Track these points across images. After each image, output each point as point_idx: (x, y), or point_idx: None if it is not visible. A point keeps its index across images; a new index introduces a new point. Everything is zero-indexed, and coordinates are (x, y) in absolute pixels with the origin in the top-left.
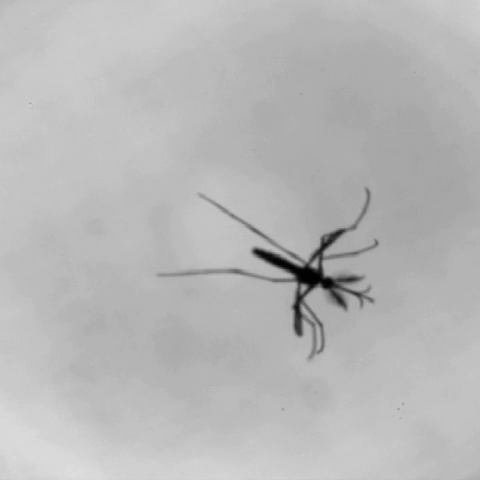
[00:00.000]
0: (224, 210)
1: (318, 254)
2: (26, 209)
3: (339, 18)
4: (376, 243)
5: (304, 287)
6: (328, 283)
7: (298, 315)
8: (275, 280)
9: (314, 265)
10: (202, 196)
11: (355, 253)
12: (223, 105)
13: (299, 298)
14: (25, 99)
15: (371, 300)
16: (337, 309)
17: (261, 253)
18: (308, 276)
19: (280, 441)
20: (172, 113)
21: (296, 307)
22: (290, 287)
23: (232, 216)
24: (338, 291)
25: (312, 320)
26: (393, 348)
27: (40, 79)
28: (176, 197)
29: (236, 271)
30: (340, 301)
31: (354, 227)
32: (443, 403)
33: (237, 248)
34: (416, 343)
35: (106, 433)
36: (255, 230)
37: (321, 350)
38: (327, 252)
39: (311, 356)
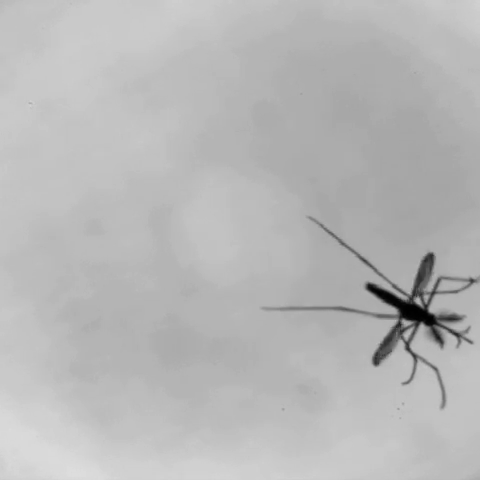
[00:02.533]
0: (333, 236)
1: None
2: (26, 209)
3: (339, 18)
4: (471, 281)
5: (406, 323)
6: (431, 320)
7: (388, 345)
8: (379, 316)
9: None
10: (312, 219)
11: (455, 291)
12: (223, 105)
13: (406, 341)
14: (25, 99)
15: (470, 342)
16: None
17: (373, 289)
18: (413, 312)
19: (280, 441)
20: (172, 113)
21: (402, 339)
22: (290, 289)
23: (342, 243)
24: (438, 328)
25: (431, 364)
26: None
27: (40, 79)
28: (176, 197)
29: (341, 308)
30: (438, 338)
31: (476, 281)
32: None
33: (237, 248)
34: (416, 343)
35: (105, 433)
36: (365, 261)
37: (444, 400)
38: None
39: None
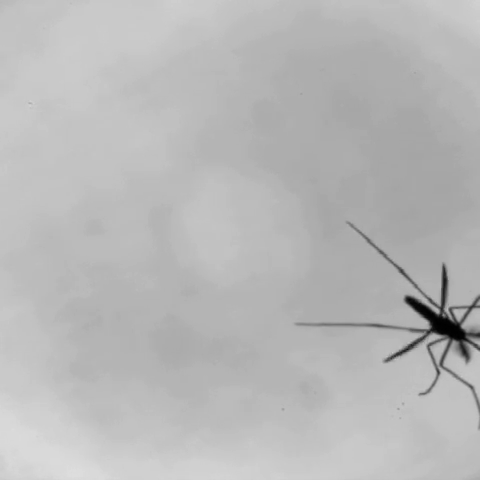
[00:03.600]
0: (371, 243)
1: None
2: (26, 209)
3: (339, 18)
4: None
5: (436, 336)
6: (461, 335)
7: (405, 352)
8: (412, 330)
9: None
10: (350, 225)
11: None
12: (223, 105)
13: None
14: (25, 99)
15: None
16: (336, 309)
17: (412, 301)
18: (444, 327)
19: (280, 441)
20: (172, 113)
21: (429, 351)
22: (290, 289)
23: (380, 252)
24: (466, 344)
25: (466, 382)
26: (393, 348)
27: (40, 79)
28: (176, 197)
29: (376, 325)
30: (465, 353)
31: None
32: (443, 403)
33: (237, 248)
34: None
35: (106, 433)
36: (402, 271)
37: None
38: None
39: None
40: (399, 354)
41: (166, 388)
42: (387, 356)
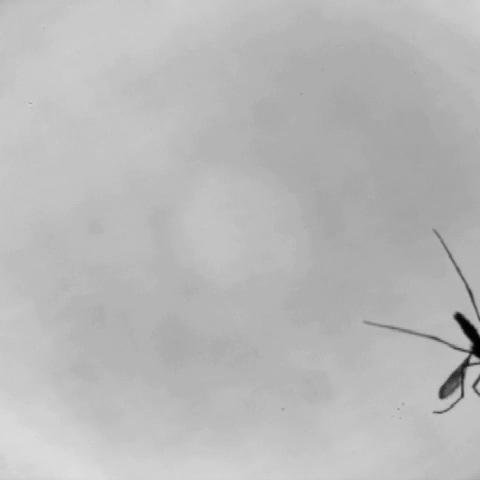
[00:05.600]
0: (450, 257)
1: None
2: (26, 209)
3: (339, 18)
4: None
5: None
6: None
7: (456, 379)
8: (455, 348)
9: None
10: (436, 232)
11: None
12: (223, 105)
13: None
14: (25, 99)
15: None
16: (336, 308)
17: (461, 319)
18: None
19: (280, 441)
20: (172, 113)
21: (461, 373)
22: (290, 289)
23: (457, 269)
24: None
25: None
26: (393, 348)
27: (40, 79)
28: (176, 197)
29: (435, 338)
30: None
31: None
32: (443, 403)
33: (237, 248)
34: (416, 343)
35: (106, 433)
36: (470, 292)
37: None
38: None
39: None
40: (452, 387)
41: (166, 388)
42: (441, 392)
